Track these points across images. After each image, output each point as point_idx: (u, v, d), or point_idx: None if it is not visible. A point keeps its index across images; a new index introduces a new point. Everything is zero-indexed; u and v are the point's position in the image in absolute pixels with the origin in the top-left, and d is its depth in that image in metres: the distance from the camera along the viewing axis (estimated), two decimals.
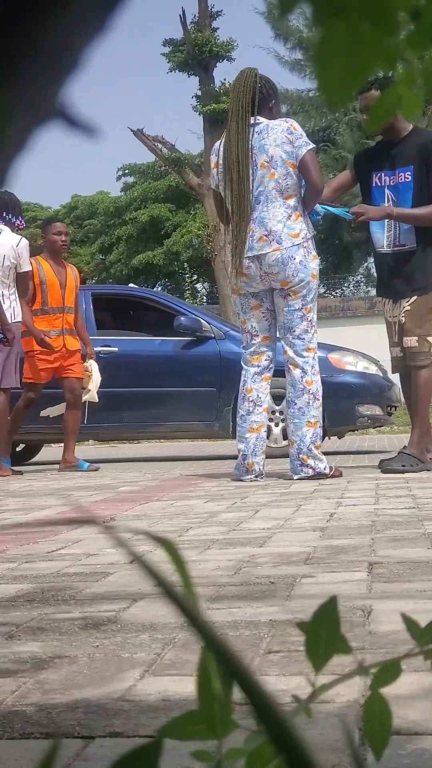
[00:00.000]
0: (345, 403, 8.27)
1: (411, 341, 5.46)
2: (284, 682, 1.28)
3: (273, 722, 0.31)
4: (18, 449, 9.36)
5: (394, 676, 0.53)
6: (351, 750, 0.62)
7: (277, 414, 8.39)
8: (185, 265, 31.51)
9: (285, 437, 8.38)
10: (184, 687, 1.28)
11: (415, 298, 5.47)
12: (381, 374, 8.99)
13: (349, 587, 1.94)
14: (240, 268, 5.24)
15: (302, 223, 5.21)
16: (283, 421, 8.39)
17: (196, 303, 28.86)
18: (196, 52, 23.41)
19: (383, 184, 5.49)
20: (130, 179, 33.74)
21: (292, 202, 5.19)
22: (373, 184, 5.52)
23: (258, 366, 5.37)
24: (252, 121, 5.20)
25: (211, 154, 5.49)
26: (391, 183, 5.45)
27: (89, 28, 0.28)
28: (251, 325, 5.38)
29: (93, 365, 7.58)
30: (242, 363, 5.44)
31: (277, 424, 8.42)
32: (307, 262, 5.19)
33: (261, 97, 5.24)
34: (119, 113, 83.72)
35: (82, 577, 2.23)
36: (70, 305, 7.41)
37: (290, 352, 5.28)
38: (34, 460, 9.67)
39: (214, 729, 0.44)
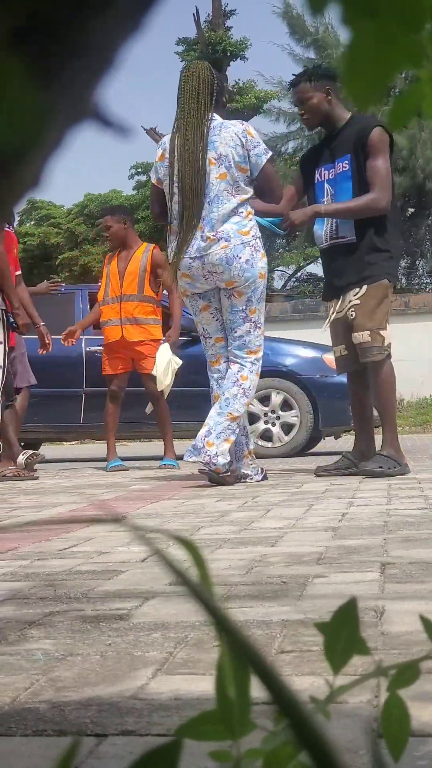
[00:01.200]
0: (339, 403, 8.16)
1: (363, 336, 5.16)
2: (297, 682, 1.28)
3: (297, 719, 0.31)
4: None
5: (412, 678, 0.53)
6: (373, 754, 0.62)
7: (270, 414, 8.39)
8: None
9: (286, 434, 8.42)
10: (196, 686, 1.28)
11: (363, 289, 5.16)
12: None
13: (361, 588, 1.94)
14: (178, 267, 5.11)
15: (253, 222, 5.10)
16: (278, 419, 8.40)
17: None
18: (209, 51, 23.42)
19: (323, 178, 5.31)
20: (143, 177, 33.76)
21: (243, 202, 5.09)
22: (316, 181, 5.35)
23: (219, 371, 5.26)
24: (207, 117, 5.10)
25: (158, 147, 5.33)
26: (331, 176, 5.26)
27: (125, 28, 0.28)
28: (203, 328, 5.29)
29: (161, 350, 7.05)
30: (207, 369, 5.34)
31: (273, 424, 8.40)
32: (255, 261, 5.05)
33: (217, 92, 5.16)
34: (132, 112, 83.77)
35: (94, 575, 2.23)
36: (129, 293, 7.11)
37: (231, 352, 5.18)
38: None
39: (231, 729, 0.44)
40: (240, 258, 5.02)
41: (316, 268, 29.02)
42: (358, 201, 5.14)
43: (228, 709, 0.44)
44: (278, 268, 35.13)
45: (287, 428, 8.41)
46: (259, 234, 5.13)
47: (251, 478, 5.28)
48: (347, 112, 5.33)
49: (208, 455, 4.99)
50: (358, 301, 5.18)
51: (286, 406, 8.44)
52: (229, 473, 5.09)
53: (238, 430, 5.11)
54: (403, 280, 25.65)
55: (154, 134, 22.99)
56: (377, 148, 5.09)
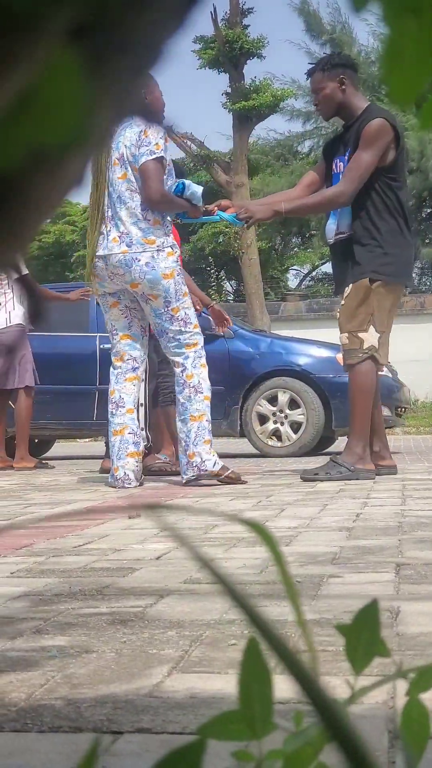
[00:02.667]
0: None
1: (342, 338, 5.06)
2: None
3: (330, 715, 0.31)
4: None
5: None
6: (404, 756, 0.62)
7: (278, 413, 8.36)
8: (210, 259, 31.50)
9: (295, 432, 8.37)
10: (211, 684, 1.28)
11: (349, 288, 5.01)
12: (390, 375, 8.95)
13: (376, 588, 1.93)
14: (92, 269, 5.10)
15: (160, 230, 5.02)
16: (286, 418, 8.35)
17: (221, 301, 28.84)
18: (226, 49, 23.39)
19: (339, 170, 5.17)
20: None
21: (147, 205, 5.02)
22: (333, 172, 5.23)
23: (120, 367, 5.22)
24: None
25: None
26: (342, 168, 5.11)
27: (171, 24, 0.28)
28: (111, 324, 5.24)
29: None
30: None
31: (282, 423, 8.36)
32: (156, 263, 4.96)
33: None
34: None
35: (109, 572, 2.24)
36: None
37: (170, 354, 5.12)
38: (52, 454, 9.75)
39: (254, 729, 0.44)
40: (139, 261, 4.96)
41: (331, 268, 28.99)
42: (319, 195, 5.04)
43: (251, 709, 0.44)
44: (293, 267, 35.07)
45: (297, 427, 8.38)
46: (166, 239, 5.03)
47: (131, 482, 5.12)
48: (365, 101, 5.19)
49: (195, 466, 4.98)
50: (343, 302, 5.09)
51: (294, 404, 8.40)
52: (228, 471, 5.06)
53: (209, 427, 5.04)
54: (417, 281, 25.57)
55: (171, 132, 22.98)
56: (366, 140, 4.91)
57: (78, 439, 13.85)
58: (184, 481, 5.03)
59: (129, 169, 5.01)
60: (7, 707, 1.20)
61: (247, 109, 22.83)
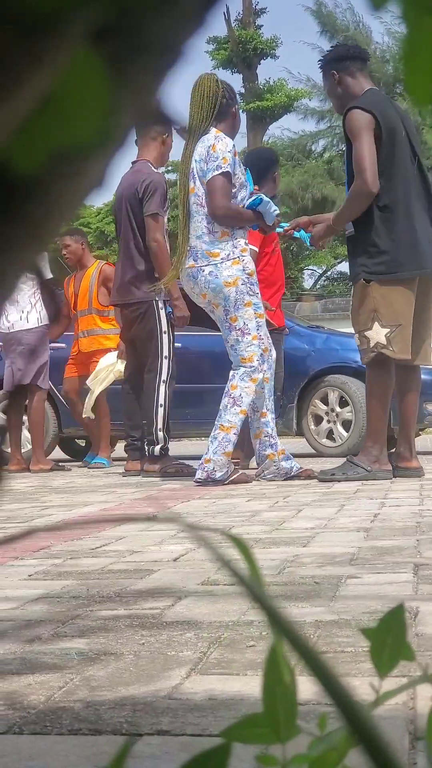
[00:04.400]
0: None
1: (355, 339, 5.10)
2: None
3: (353, 716, 0.31)
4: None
5: None
6: (428, 758, 0.62)
7: (330, 412, 8.18)
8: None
9: (346, 431, 8.11)
10: (230, 686, 1.28)
11: (353, 289, 5.06)
12: None
13: (394, 589, 1.92)
14: (175, 278, 5.21)
15: (227, 243, 5.05)
16: (337, 417, 8.16)
17: None
18: (239, 50, 23.40)
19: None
20: (173, 176, 33.83)
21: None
22: None
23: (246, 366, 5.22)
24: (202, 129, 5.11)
25: None
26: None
27: (190, 24, 0.28)
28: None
29: (106, 356, 7.39)
30: None
31: (334, 422, 8.17)
32: (219, 272, 5.02)
33: (222, 104, 5.11)
34: None
35: (127, 574, 2.24)
36: (81, 309, 7.61)
37: (233, 363, 5.17)
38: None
39: (278, 733, 0.44)
40: (203, 271, 5.04)
41: (346, 267, 28.96)
42: (348, 197, 5.03)
43: (275, 713, 0.43)
44: (308, 267, 35.02)
45: (348, 425, 8.07)
46: (235, 255, 5.06)
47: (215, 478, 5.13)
48: (364, 88, 5.08)
49: (206, 471, 5.03)
50: (352, 301, 5.12)
51: (344, 402, 8.10)
52: (237, 473, 5.07)
53: (235, 440, 5.08)
54: None
55: (185, 133, 23.01)
56: (351, 133, 4.87)
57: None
58: (194, 481, 5.09)
59: (198, 183, 5.06)
60: (27, 710, 1.20)
61: (261, 109, 22.84)
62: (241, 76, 24.24)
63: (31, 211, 0.28)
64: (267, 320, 6.47)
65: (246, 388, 5.07)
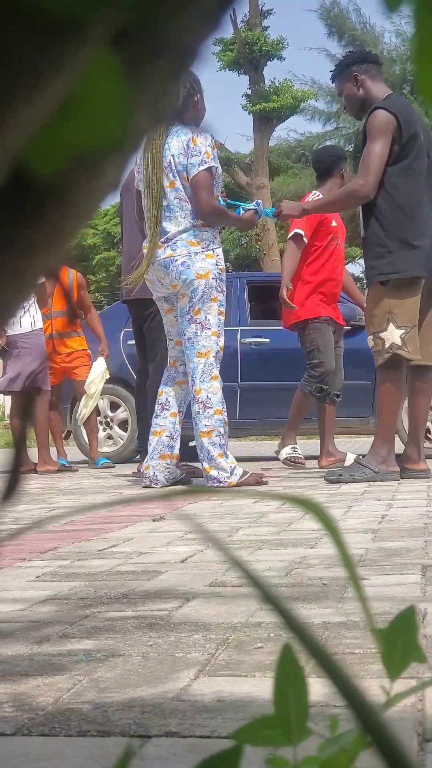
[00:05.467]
0: None
1: (369, 341, 5.08)
2: None
3: (367, 717, 0.31)
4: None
5: None
6: None
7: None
8: (231, 264, 31.47)
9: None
10: (239, 688, 1.28)
11: (366, 292, 5.09)
12: None
13: (402, 590, 1.92)
14: (144, 272, 5.10)
15: (208, 232, 5.03)
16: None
17: None
18: (246, 51, 23.40)
19: None
20: None
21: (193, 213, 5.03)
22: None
23: (174, 371, 5.26)
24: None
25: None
26: None
27: (206, 27, 0.28)
28: (167, 330, 5.29)
29: (96, 363, 7.63)
30: None
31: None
32: (192, 263, 4.97)
33: (184, 96, 4.95)
34: None
35: (134, 575, 2.24)
36: (57, 310, 7.71)
37: (186, 355, 5.12)
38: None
39: (289, 735, 0.44)
40: (176, 261, 4.99)
41: (354, 268, 28.86)
42: (340, 191, 5.04)
43: (287, 715, 0.43)
44: None
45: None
46: (211, 241, 5.05)
47: (159, 483, 5.18)
48: (386, 92, 5.13)
49: (213, 478, 5.00)
50: (365, 305, 5.14)
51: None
52: (246, 476, 5.05)
53: (222, 439, 5.03)
54: None
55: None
56: (370, 133, 4.88)
57: None
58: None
59: (178, 177, 5.00)
60: (35, 711, 1.20)
61: (268, 110, 22.83)
62: (247, 77, 24.23)
63: (50, 214, 0.28)
64: (330, 319, 6.42)
65: (210, 388, 5.02)
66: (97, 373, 7.56)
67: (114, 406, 8.51)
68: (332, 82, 5.32)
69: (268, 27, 24.19)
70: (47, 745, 1.08)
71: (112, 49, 0.26)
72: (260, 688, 1.27)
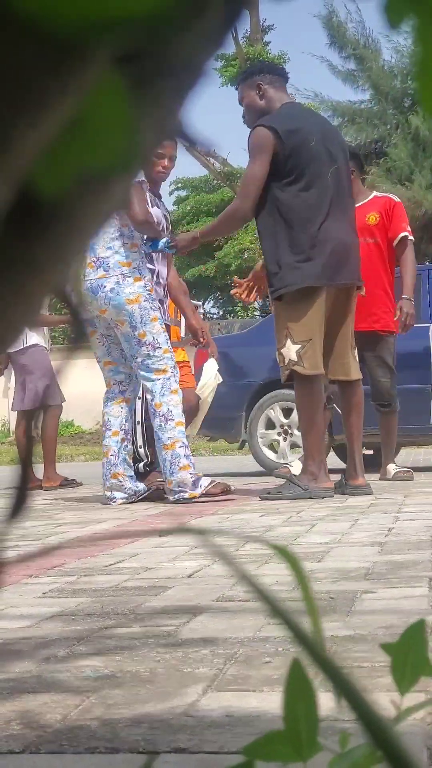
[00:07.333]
0: None
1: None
2: None
3: (378, 731, 0.31)
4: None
5: None
6: None
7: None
8: (233, 277, 31.51)
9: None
10: (247, 702, 1.27)
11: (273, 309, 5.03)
12: None
13: (410, 603, 1.92)
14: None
15: (137, 253, 5.06)
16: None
17: (247, 316, 28.83)
18: (247, 67, 23.51)
19: None
20: (183, 193, 33.98)
21: (126, 230, 5.05)
22: None
23: (111, 392, 5.35)
24: None
25: None
26: None
27: (211, 46, 0.29)
28: (94, 351, 5.35)
29: (208, 366, 6.75)
30: None
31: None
32: (121, 289, 5.00)
33: None
34: None
35: (141, 591, 2.23)
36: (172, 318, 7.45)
37: (141, 379, 5.18)
38: None
39: (300, 750, 0.44)
40: (105, 287, 5.01)
41: None
42: (221, 215, 5.05)
43: (297, 729, 0.43)
44: None
45: None
46: (141, 263, 5.09)
47: (116, 501, 5.28)
48: (285, 101, 5.04)
49: (173, 492, 5.04)
50: None
51: None
52: (213, 484, 5.05)
53: (186, 450, 5.06)
54: None
55: (194, 150, 23.10)
56: (249, 151, 4.85)
57: (419, 447, 11.87)
58: (171, 499, 5.09)
59: None
60: (43, 729, 1.20)
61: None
62: None
63: (56, 233, 0.28)
64: (380, 330, 6.25)
65: (170, 401, 5.07)
66: (211, 374, 6.80)
67: None
68: (236, 89, 5.24)
69: (270, 42, 24.30)
70: (56, 762, 1.08)
71: (118, 69, 0.26)
72: (269, 702, 1.26)
